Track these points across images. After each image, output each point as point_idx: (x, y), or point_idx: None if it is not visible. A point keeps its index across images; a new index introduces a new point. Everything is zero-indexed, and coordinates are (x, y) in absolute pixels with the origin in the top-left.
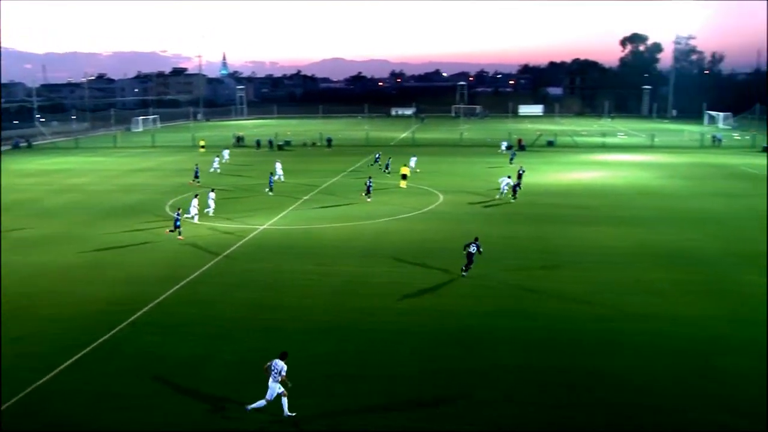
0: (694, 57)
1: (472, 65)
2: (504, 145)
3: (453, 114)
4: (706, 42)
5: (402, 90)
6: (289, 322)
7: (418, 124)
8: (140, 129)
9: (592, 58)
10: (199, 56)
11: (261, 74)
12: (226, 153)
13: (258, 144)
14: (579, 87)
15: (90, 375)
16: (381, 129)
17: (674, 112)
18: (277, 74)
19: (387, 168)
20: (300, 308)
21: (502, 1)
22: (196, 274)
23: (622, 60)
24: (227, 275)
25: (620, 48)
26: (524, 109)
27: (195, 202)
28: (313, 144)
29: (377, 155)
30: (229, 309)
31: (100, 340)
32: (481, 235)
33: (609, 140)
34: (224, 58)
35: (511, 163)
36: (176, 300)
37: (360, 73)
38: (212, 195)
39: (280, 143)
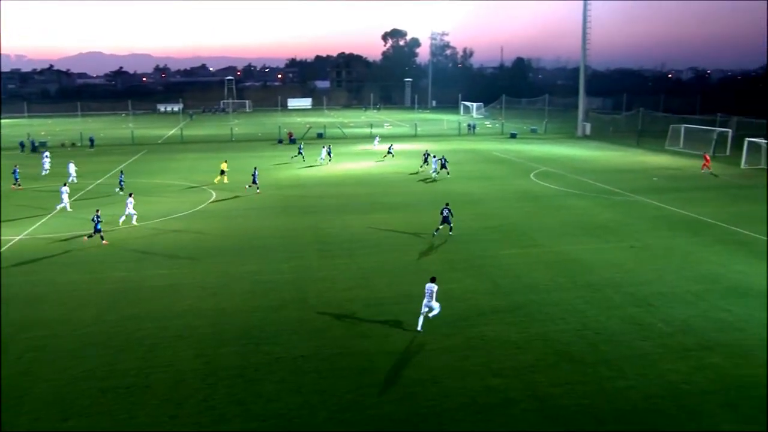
0: (448, 52)
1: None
2: (376, 140)
3: (205, 109)
4: (459, 39)
5: (167, 85)
6: (57, 338)
7: (186, 120)
8: None
9: (356, 52)
10: None
11: (5, 68)
12: (47, 155)
13: (22, 146)
14: (345, 80)
15: None
16: (147, 126)
17: (434, 103)
18: (26, 68)
19: (329, 155)
20: (68, 322)
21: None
22: None
23: (385, 54)
24: None
25: (382, 43)
26: (293, 103)
27: (131, 200)
28: (73, 144)
29: (300, 145)
30: None
31: None
32: (258, 230)
33: (376, 131)
34: None
35: (391, 155)
36: None
37: (121, 68)
38: (130, 200)
39: (36, 145)
